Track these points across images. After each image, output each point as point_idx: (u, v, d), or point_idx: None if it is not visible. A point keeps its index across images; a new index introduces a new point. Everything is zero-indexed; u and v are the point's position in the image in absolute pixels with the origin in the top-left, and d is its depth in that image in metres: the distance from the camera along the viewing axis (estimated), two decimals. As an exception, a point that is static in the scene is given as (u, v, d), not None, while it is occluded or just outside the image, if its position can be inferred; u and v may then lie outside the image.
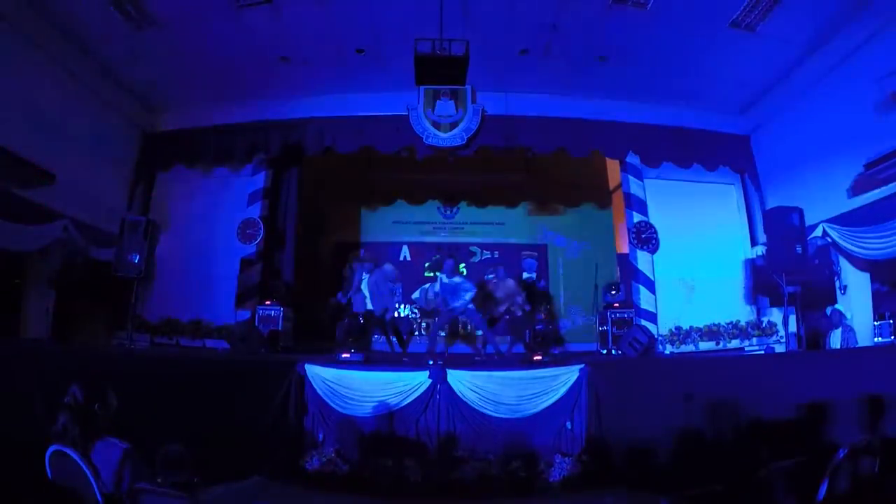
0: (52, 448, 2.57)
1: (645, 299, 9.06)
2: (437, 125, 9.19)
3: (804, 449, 2.89)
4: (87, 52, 8.35)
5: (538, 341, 6.85)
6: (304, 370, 6.07)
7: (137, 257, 7.13)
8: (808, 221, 7.66)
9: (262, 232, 9.40)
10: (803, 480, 2.53)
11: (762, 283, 9.27)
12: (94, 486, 2.44)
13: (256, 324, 8.30)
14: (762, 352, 8.17)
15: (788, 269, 6.84)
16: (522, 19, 7.69)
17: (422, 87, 8.87)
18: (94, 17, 7.54)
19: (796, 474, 2.48)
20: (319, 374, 6.02)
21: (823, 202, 7.81)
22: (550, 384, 6.02)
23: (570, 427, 5.89)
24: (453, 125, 9.22)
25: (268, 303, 8.73)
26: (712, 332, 8.79)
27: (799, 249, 6.74)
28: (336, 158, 10.15)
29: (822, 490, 2.47)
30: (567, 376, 6.03)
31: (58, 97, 8.09)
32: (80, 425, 2.59)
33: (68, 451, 2.52)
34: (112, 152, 9.44)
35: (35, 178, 7.38)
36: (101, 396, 2.72)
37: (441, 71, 6.48)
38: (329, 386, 5.95)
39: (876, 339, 7.51)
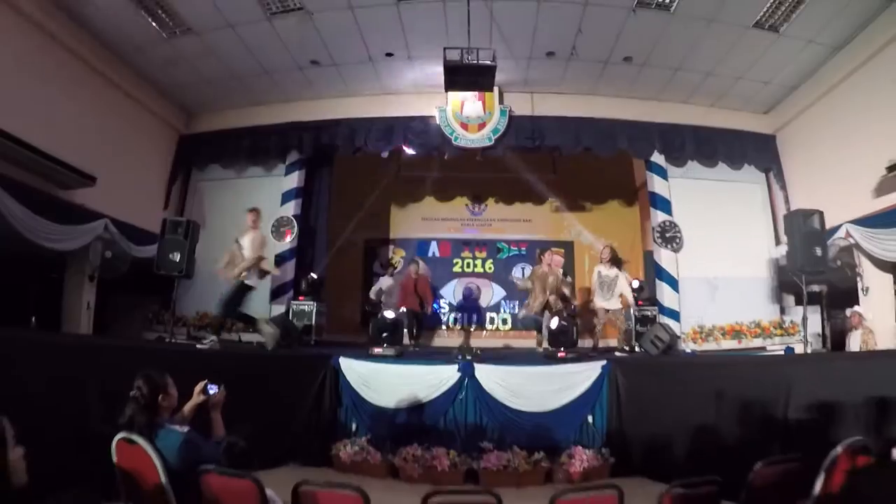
0: (119, 436, 2.89)
1: (668, 297, 9.21)
2: (465, 126, 9.44)
3: (814, 447, 3.06)
4: (125, 60, 8.80)
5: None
6: (339, 364, 6.35)
7: (178, 256, 7.47)
8: (833, 221, 7.65)
9: (296, 229, 9.77)
10: (800, 476, 2.73)
11: (786, 282, 9.34)
12: (159, 468, 2.74)
13: (291, 318, 8.62)
14: (782, 352, 8.24)
15: (808, 270, 6.90)
16: (548, 23, 7.86)
17: (450, 91, 9.08)
18: (131, 27, 7.96)
19: (793, 470, 2.68)
20: (353, 368, 6.31)
21: (848, 202, 7.80)
22: (574, 380, 6.22)
23: (591, 421, 6.08)
24: (481, 126, 9.45)
25: (301, 298, 9.03)
26: (735, 331, 8.88)
27: (819, 251, 6.79)
28: (366, 157, 10.45)
29: (818, 486, 2.67)
30: (589, 372, 6.22)
31: (97, 103, 8.53)
32: (146, 415, 2.93)
33: (135, 437, 2.84)
34: (149, 154, 9.92)
35: (77, 181, 7.80)
36: (164, 389, 3.05)
37: (469, 78, 6.71)
38: (362, 379, 6.24)
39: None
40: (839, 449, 2.77)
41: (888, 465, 2.61)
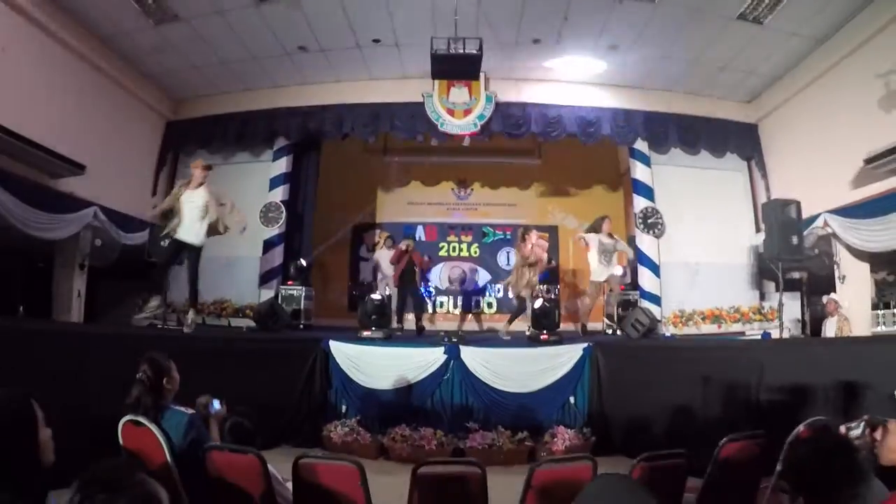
0: (125, 418, 2.97)
1: (649, 282, 9.40)
2: (451, 112, 9.50)
3: (783, 427, 3.22)
4: (111, 47, 8.71)
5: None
6: (328, 347, 6.48)
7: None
8: (812, 211, 7.85)
9: (284, 215, 9.83)
10: (764, 452, 2.90)
11: (766, 268, 9.54)
12: (165, 448, 2.83)
13: (279, 303, 8.67)
14: (759, 337, 8.48)
15: (784, 258, 7.11)
16: (535, 10, 7.90)
17: (437, 78, 9.12)
18: (118, 14, 7.88)
19: (759, 447, 2.85)
20: (343, 351, 6.45)
21: (827, 192, 7.96)
22: (556, 362, 6.40)
23: (573, 402, 6.27)
24: (467, 112, 9.52)
25: (290, 283, 9.10)
26: (714, 316, 9.11)
27: (795, 240, 6.99)
28: (353, 142, 10.49)
29: (780, 462, 2.83)
30: (571, 355, 6.41)
31: (84, 91, 8.45)
32: (152, 397, 3.04)
33: (141, 419, 2.93)
34: (137, 141, 9.85)
35: (66, 169, 7.78)
36: (167, 372, 3.16)
37: (456, 67, 6.80)
38: (352, 361, 6.38)
39: (879, 328, 7.65)
40: (801, 427, 2.93)
41: (831, 438, 2.79)
